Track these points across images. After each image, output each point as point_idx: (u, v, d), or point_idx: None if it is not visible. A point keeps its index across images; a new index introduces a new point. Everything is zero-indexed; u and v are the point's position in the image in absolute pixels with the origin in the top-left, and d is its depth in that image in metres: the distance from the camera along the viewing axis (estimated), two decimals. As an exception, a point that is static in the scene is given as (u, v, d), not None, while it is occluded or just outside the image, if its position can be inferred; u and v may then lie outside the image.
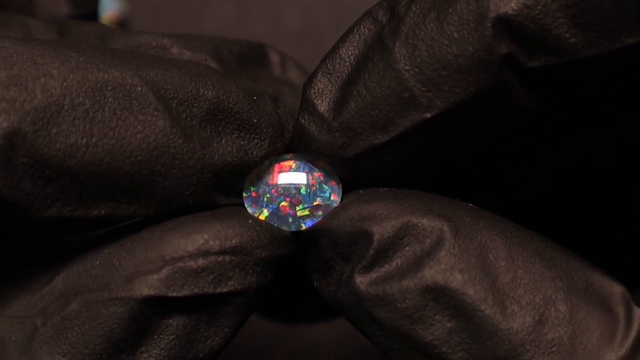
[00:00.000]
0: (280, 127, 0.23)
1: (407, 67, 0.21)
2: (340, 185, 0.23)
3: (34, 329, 0.21)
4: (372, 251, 0.21)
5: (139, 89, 0.21)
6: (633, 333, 0.20)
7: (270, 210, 0.23)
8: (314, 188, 0.23)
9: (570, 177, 0.26)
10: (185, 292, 0.21)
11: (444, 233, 0.21)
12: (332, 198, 0.23)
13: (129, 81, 0.21)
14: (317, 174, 0.23)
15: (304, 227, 0.23)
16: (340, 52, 0.22)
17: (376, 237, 0.21)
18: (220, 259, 0.21)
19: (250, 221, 0.22)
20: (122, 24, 0.51)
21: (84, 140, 0.20)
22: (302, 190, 0.23)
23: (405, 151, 0.22)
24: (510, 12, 0.20)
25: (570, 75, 0.21)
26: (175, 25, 0.50)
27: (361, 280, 0.21)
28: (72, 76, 0.20)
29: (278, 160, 0.23)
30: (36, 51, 0.20)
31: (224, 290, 0.21)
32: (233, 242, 0.21)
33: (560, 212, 0.27)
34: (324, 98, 0.22)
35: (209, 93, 0.22)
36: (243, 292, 0.22)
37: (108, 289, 0.21)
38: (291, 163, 0.23)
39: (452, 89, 0.21)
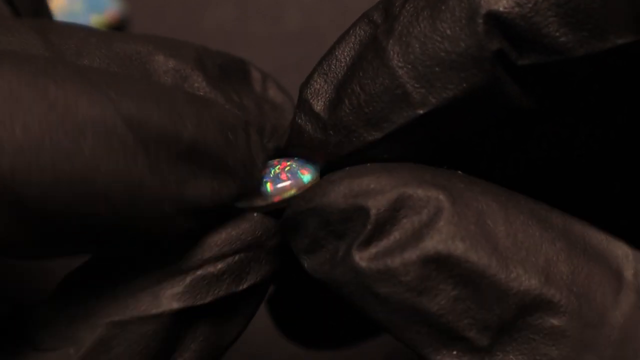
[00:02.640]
0: (252, 167, 0.23)
1: (400, 64, 0.21)
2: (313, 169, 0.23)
3: (68, 358, 0.21)
4: (369, 226, 0.21)
5: (119, 130, 0.20)
6: (635, 289, 0.20)
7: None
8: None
9: (557, 168, 0.26)
10: (210, 297, 0.22)
11: (441, 202, 0.20)
12: (299, 172, 0.23)
13: (110, 121, 0.20)
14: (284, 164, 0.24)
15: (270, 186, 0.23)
16: (337, 52, 0.23)
17: (372, 211, 0.21)
18: (237, 258, 0.22)
19: (255, 215, 0.23)
20: (122, 24, 0.51)
21: (63, 182, 0.19)
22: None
23: (398, 148, 0.22)
24: (501, 9, 0.20)
25: (562, 73, 0.21)
26: (175, 25, 0.50)
27: (361, 257, 0.21)
28: (52, 115, 0.19)
29: None
30: (14, 84, 0.19)
31: (245, 286, 0.22)
32: (247, 240, 0.22)
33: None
34: (320, 98, 0.22)
35: (187, 135, 0.21)
36: (261, 282, 0.23)
37: (137, 309, 0.21)
38: None
39: (445, 85, 0.21)
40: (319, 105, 0.22)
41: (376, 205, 0.21)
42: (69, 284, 0.22)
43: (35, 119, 0.19)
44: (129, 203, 0.20)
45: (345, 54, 0.23)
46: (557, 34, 0.20)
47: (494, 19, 0.20)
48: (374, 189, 0.21)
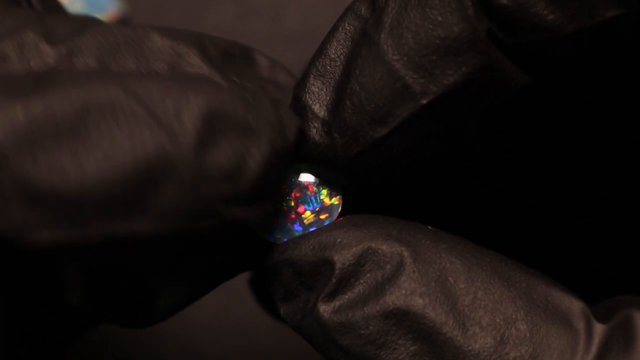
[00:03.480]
0: (281, 127, 0.22)
1: (395, 57, 0.21)
2: (337, 185, 0.23)
3: None
4: (334, 279, 0.21)
5: (125, 101, 0.19)
6: (594, 348, 0.20)
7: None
8: (312, 193, 0.23)
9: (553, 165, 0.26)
10: None
11: (404, 258, 0.21)
12: (332, 200, 0.23)
13: (114, 95, 0.19)
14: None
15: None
16: (329, 52, 0.22)
17: (338, 265, 0.21)
18: None
19: None
20: (121, 24, 0.51)
21: (71, 163, 0.19)
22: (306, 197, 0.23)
23: (407, 140, 0.22)
24: None
25: (555, 50, 0.21)
26: (175, 25, 0.50)
27: (325, 309, 0.21)
28: (54, 97, 0.19)
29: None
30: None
31: None
32: None
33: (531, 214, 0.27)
34: (321, 102, 0.22)
35: (200, 100, 0.20)
36: None
37: None
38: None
39: (444, 72, 0.21)
40: (322, 110, 0.22)
41: (341, 259, 0.21)
42: None
43: (38, 102, 0.19)
44: (145, 176, 0.19)
45: (339, 52, 0.22)
46: (545, 12, 0.20)
47: (482, 0, 0.20)
48: (341, 242, 0.21)
